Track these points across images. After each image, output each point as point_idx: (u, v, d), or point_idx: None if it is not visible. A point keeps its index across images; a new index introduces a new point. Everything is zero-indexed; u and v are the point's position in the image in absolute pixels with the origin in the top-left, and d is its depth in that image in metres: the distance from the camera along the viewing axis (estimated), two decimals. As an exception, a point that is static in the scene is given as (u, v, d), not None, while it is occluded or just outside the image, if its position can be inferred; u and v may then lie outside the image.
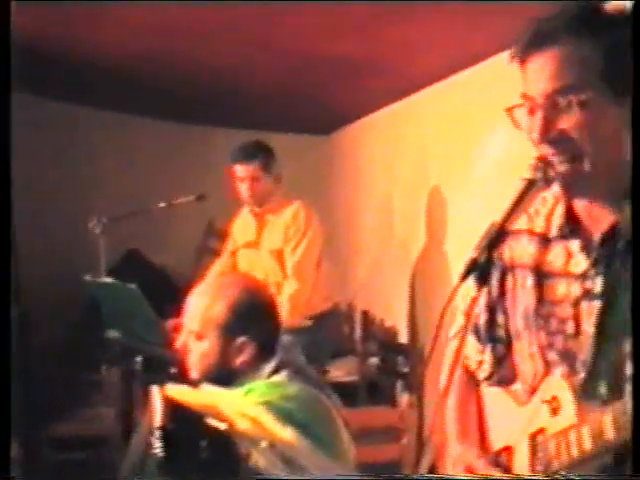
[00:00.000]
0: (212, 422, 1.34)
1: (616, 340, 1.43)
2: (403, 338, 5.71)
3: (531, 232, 1.78)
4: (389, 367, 5.59)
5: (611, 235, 1.62)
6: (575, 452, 1.53)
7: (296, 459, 1.20)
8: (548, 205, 1.76)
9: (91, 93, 6.29)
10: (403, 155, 6.02)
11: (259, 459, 2.08)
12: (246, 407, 1.24)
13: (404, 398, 3.71)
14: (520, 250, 1.80)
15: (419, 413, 3.89)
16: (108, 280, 4.55)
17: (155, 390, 2.04)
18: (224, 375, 2.36)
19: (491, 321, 1.86)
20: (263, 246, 4.84)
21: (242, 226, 5.02)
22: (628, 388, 1.45)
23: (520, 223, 1.76)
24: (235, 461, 1.93)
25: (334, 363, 5.26)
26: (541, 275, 1.74)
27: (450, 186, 5.03)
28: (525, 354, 1.75)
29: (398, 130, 6.13)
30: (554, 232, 1.73)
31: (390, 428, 3.56)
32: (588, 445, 1.49)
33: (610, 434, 1.44)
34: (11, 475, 1.97)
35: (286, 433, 1.17)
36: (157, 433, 1.79)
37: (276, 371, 2.36)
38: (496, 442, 1.80)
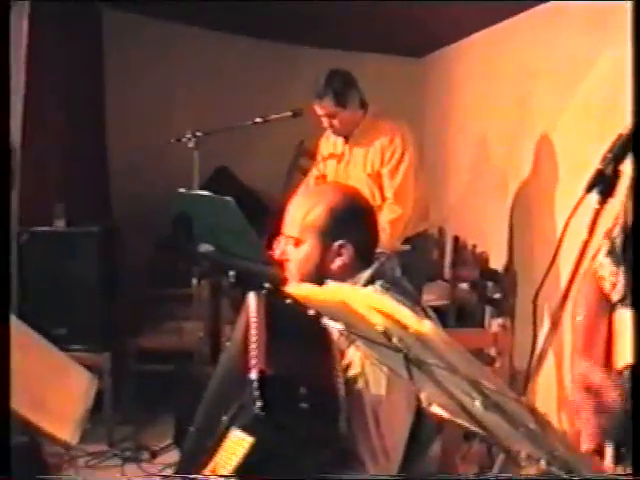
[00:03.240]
0: (329, 323, 1.35)
1: None
2: (495, 264, 5.67)
3: None
4: (479, 292, 5.57)
5: None
6: None
7: (423, 358, 1.21)
8: None
9: (187, 11, 6.31)
10: (501, 79, 5.90)
11: (368, 371, 2.12)
12: (378, 301, 1.24)
13: (494, 322, 3.71)
14: None
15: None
16: (204, 193, 4.59)
17: (252, 296, 2.08)
18: (322, 282, 2.33)
19: (626, 242, 1.83)
20: (357, 170, 4.82)
21: (331, 150, 5.02)
22: None
23: None
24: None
25: (425, 287, 5.25)
26: None
27: (554, 111, 4.89)
28: None
29: (495, 54, 6.01)
30: None
31: (481, 351, 3.57)
32: None
33: None
34: (11, 474, 2.02)
35: (424, 326, 1.18)
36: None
37: (371, 282, 2.40)
38: (620, 361, 1.78)
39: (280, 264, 2.56)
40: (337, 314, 1.28)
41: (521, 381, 4.78)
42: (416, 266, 4.74)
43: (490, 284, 5.50)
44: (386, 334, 1.16)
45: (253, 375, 1.79)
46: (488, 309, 5.46)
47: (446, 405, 1.29)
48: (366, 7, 5.61)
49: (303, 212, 2.46)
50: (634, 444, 1.34)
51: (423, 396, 1.34)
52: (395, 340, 1.16)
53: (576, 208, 1.52)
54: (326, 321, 1.35)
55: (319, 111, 4.72)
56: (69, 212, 5.12)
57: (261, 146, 6.92)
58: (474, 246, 6.13)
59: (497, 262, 5.60)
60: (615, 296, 1.84)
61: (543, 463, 1.19)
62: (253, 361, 1.82)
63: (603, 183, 1.52)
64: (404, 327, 1.15)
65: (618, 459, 1.76)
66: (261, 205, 6.69)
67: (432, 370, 1.22)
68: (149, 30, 6.85)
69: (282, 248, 2.52)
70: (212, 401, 2.34)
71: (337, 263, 2.43)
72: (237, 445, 1.84)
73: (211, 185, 6.19)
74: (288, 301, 1.77)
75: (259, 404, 1.75)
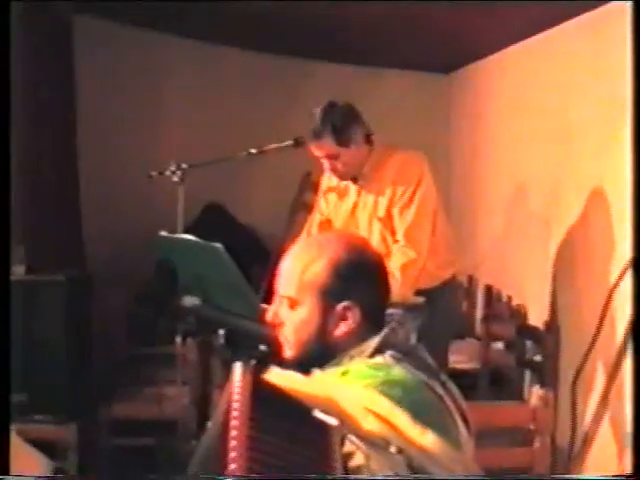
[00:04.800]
0: (320, 416, 1.27)
1: None
2: (534, 320, 5.61)
3: None
4: (517, 354, 5.49)
5: None
6: None
7: (427, 467, 1.13)
8: None
9: (180, 22, 6.32)
10: (537, 98, 5.87)
11: (374, 463, 2.03)
12: (374, 403, 1.17)
13: (534, 392, 3.64)
14: None
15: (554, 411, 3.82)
16: (188, 237, 4.52)
17: (238, 368, 2.00)
18: (322, 350, 2.32)
19: None
20: (366, 215, 4.73)
21: (336, 190, 4.92)
22: None
23: None
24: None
25: (452, 346, 5.17)
26: None
27: (599, 139, 4.84)
28: None
29: (525, 71, 5.99)
30: None
31: (519, 428, 3.49)
32: None
33: None
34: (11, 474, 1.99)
35: (426, 438, 1.10)
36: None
37: (380, 351, 2.30)
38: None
39: (274, 328, 2.48)
40: (325, 411, 1.21)
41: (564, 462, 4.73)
42: (440, 321, 4.65)
43: (529, 344, 5.42)
44: (384, 440, 1.10)
45: None
46: (527, 373, 5.37)
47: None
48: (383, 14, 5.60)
49: (301, 267, 2.36)
50: (634, 444, 1.28)
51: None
52: (393, 449, 1.09)
53: (621, 278, 1.45)
54: (317, 414, 1.28)
55: (317, 152, 4.58)
56: (30, 256, 5.06)
57: (261, 179, 6.89)
58: (509, 298, 6.07)
59: (537, 318, 5.53)
60: None
61: None
62: (233, 465, 1.73)
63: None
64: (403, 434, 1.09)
65: None
66: (260, 248, 6.65)
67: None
68: (127, 46, 6.84)
69: (275, 309, 2.42)
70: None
71: (342, 329, 2.32)
72: None
73: (201, 225, 6.19)
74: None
75: None
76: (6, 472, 1.96)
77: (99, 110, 6.81)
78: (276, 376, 1.57)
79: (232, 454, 1.70)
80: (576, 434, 4.69)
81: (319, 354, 2.32)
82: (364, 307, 2.34)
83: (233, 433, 1.77)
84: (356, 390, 1.23)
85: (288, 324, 2.39)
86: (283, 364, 2.35)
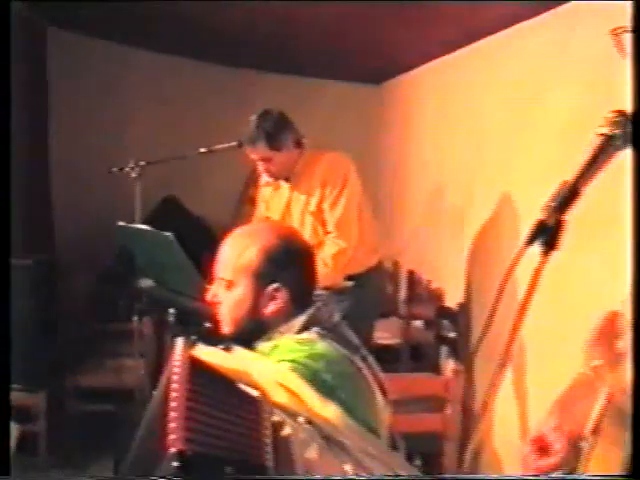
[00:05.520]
0: (244, 388, 1.25)
1: None
2: (450, 302, 5.62)
3: None
4: (434, 331, 5.51)
5: None
6: None
7: (335, 436, 1.11)
8: None
9: (135, 32, 6.24)
10: (458, 110, 5.88)
11: (294, 433, 2.01)
12: (284, 377, 1.15)
13: (449, 365, 3.66)
14: None
15: (467, 383, 3.83)
16: (143, 227, 4.50)
17: (179, 343, 1.98)
18: (254, 326, 2.34)
19: None
20: (299, 210, 4.72)
21: (272, 190, 4.91)
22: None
23: None
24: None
25: (377, 324, 5.17)
26: None
27: (511, 146, 4.87)
28: None
29: (454, 82, 5.99)
30: None
31: (434, 397, 3.50)
32: None
33: None
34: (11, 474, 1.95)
35: (328, 410, 1.08)
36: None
37: (306, 328, 2.32)
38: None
39: (213, 307, 2.46)
40: (241, 382, 1.19)
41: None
42: (366, 303, 4.67)
43: (446, 322, 5.44)
44: (293, 411, 1.08)
45: (172, 454, 1.66)
46: (443, 349, 5.39)
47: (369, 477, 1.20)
48: (319, 34, 5.57)
49: (237, 253, 2.37)
50: (634, 444, 1.26)
51: (347, 468, 1.25)
52: (302, 420, 1.07)
53: (516, 261, 1.44)
54: (241, 386, 1.26)
55: (252, 156, 4.58)
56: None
57: (213, 175, 6.83)
58: (429, 282, 6.09)
59: (453, 300, 5.54)
60: None
61: None
62: (172, 435, 1.69)
63: (545, 235, 1.44)
64: (310, 408, 1.07)
65: None
66: (211, 237, 6.60)
67: (349, 449, 1.13)
68: (93, 54, 6.77)
69: (214, 290, 2.43)
70: (136, 460, 2.22)
71: (271, 308, 2.34)
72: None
73: (158, 216, 6.12)
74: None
75: None
76: (6, 472, 1.90)
77: (69, 110, 6.74)
78: (201, 352, 1.54)
79: (172, 424, 1.67)
80: (474, 401, 4.77)
81: (252, 330, 2.34)
82: (292, 289, 2.35)
83: (173, 404, 1.74)
84: (269, 365, 1.22)
85: (224, 303, 2.39)
86: (222, 340, 2.34)
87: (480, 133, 5.35)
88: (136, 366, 4.99)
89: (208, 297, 2.45)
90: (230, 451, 1.67)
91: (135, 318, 4.76)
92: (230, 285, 2.37)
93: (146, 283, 4.53)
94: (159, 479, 1.66)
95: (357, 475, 1.58)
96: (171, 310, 4.34)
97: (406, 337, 5.64)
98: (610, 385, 1.29)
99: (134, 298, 4.73)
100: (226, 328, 2.40)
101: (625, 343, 1.20)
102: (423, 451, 3.65)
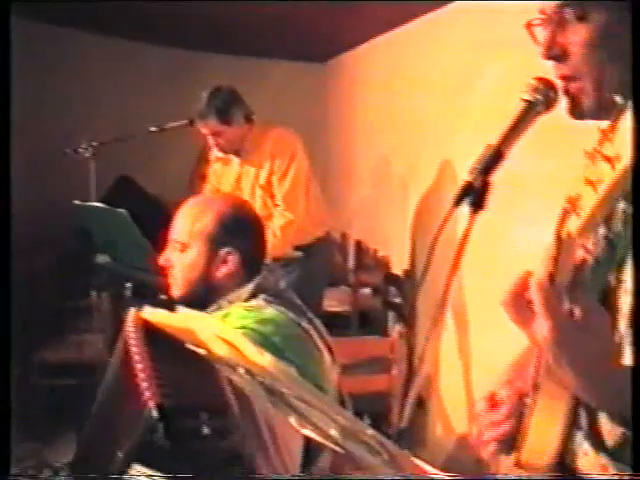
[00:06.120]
0: (191, 347, 1.27)
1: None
2: (396, 269, 5.67)
3: None
4: (382, 297, 5.56)
5: None
6: None
7: (275, 386, 1.14)
8: None
9: (85, 16, 6.18)
10: (400, 85, 5.91)
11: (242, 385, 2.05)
12: (223, 330, 1.17)
13: (394, 328, 3.72)
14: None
15: (410, 344, 3.88)
16: (97, 204, 4.50)
17: (131, 313, 2.00)
18: (205, 290, 2.39)
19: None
20: (249, 183, 4.74)
21: (223, 164, 4.92)
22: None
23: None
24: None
25: (327, 293, 5.21)
26: None
27: (451, 117, 4.91)
28: None
29: (395, 59, 6.02)
30: None
31: (381, 358, 3.54)
32: None
33: None
34: (11, 473, 1.96)
35: (264, 359, 1.11)
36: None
37: (254, 295, 2.37)
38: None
39: (165, 272, 2.51)
40: (187, 342, 1.21)
41: (425, 385, 4.81)
42: (315, 272, 4.72)
43: (392, 289, 5.48)
44: (230, 364, 1.10)
45: (151, 408, 1.70)
46: (391, 314, 5.44)
47: (313, 430, 1.23)
48: (265, 14, 5.56)
49: (192, 217, 2.43)
50: (634, 444, 1.29)
51: (292, 421, 1.28)
52: (242, 371, 1.09)
53: (445, 221, 1.48)
54: (189, 345, 1.28)
55: (203, 130, 4.61)
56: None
57: (168, 154, 6.81)
58: (375, 251, 6.12)
59: (398, 267, 5.59)
60: None
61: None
62: (146, 392, 1.72)
63: (473, 195, 1.47)
64: (247, 358, 1.10)
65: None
66: (165, 214, 6.57)
67: (290, 400, 1.16)
68: (46, 37, 6.68)
69: (167, 255, 2.47)
70: (99, 429, 2.23)
71: (222, 271, 2.39)
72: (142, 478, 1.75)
73: (113, 195, 6.09)
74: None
75: (163, 436, 1.67)
76: (6, 472, 1.91)
77: (30, 94, 6.67)
78: (149, 314, 1.57)
79: (143, 384, 1.70)
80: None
81: (202, 294, 2.39)
82: (243, 254, 2.40)
83: (138, 366, 1.77)
84: (208, 320, 1.24)
85: (177, 266, 2.43)
86: (172, 305, 2.38)
87: (422, 104, 5.39)
88: (97, 340, 4.99)
89: (161, 261, 2.50)
90: (199, 401, 1.71)
91: (93, 294, 4.75)
92: (184, 248, 2.41)
93: (103, 259, 4.53)
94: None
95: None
96: (128, 284, 4.35)
97: (354, 304, 5.69)
98: (531, 342, 1.32)
99: (92, 274, 4.72)
100: (177, 291, 2.44)
101: (537, 302, 1.23)
102: (372, 410, 3.70)
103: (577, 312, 1.25)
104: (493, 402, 1.69)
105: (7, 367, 2.13)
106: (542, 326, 1.24)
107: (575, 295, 1.25)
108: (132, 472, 1.75)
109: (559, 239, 1.23)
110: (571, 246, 1.22)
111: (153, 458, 1.71)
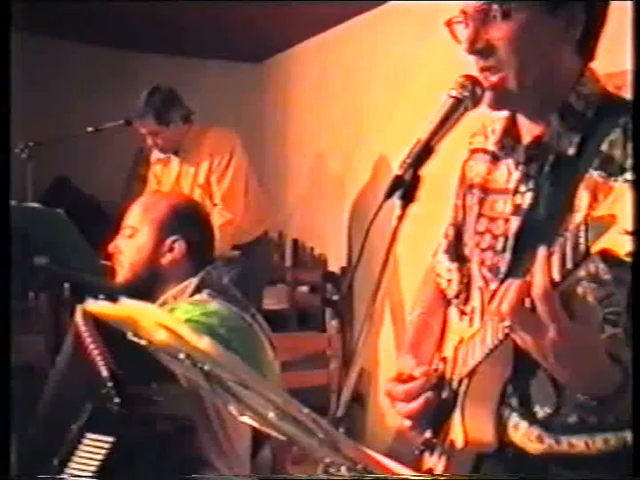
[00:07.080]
0: (133, 338, 1.31)
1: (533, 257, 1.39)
2: (333, 266, 5.71)
3: (484, 150, 1.80)
4: (319, 295, 5.60)
5: (536, 150, 1.61)
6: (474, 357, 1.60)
7: (214, 370, 1.18)
8: (501, 123, 1.75)
9: (22, 15, 6.10)
10: (335, 83, 5.96)
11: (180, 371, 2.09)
12: (163, 318, 1.21)
13: (331, 324, 3.77)
14: (476, 169, 1.82)
15: (345, 339, 3.92)
16: (35, 205, 4.47)
17: (79, 308, 2.03)
18: (150, 277, 2.44)
19: (457, 240, 1.85)
20: (188, 182, 4.77)
21: (162, 165, 4.94)
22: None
23: (477, 142, 1.83)
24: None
25: (265, 291, 5.24)
26: (487, 193, 1.75)
27: (385, 114, 4.98)
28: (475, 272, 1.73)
29: (330, 58, 6.06)
30: (497, 149, 1.74)
31: (319, 354, 3.59)
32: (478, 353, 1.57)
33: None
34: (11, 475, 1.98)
35: (202, 343, 1.15)
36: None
37: (198, 290, 2.41)
38: (445, 353, 1.81)
39: (112, 259, 2.55)
40: (129, 331, 1.25)
41: (364, 381, 4.85)
42: (254, 271, 4.74)
43: (329, 286, 5.52)
44: (170, 352, 1.14)
45: (105, 375, 1.74)
46: (328, 311, 5.47)
47: (252, 416, 1.27)
48: (198, 14, 5.57)
49: (146, 206, 2.50)
50: (634, 444, 1.35)
51: (232, 408, 1.31)
52: (182, 356, 1.13)
53: (376, 214, 1.52)
54: (131, 337, 1.31)
55: (141, 130, 4.64)
56: None
57: (105, 154, 6.77)
58: (312, 249, 6.16)
59: (335, 265, 5.63)
60: (450, 293, 1.85)
61: (344, 470, 1.18)
62: (100, 363, 1.77)
63: (403, 189, 1.52)
64: (187, 343, 1.13)
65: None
66: (101, 214, 6.55)
67: (229, 385, 1.19)
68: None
69: (116, 242, 2.52)
70: (49, 419, 2.25)
71: (168, 258, 2.44)
72: (96, 448, 1.78)
73: (50, 196, 6.05)
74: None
75: (117, 401, 1.71)
76: (6, 472, 1.91)
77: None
78: (92, 306, 1.59)
79: (98, 360, 1.75)
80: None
81: (147, 279, 2.44)
82: (189, 244, 2.46)
83: (91, 347, 1.82)
84: (148, 308, 1.27)
85: (125, 252, 2.47)
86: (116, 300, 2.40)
87: (358, 103, 5.44)
88: (35, 342, 4.95)
89: (110, 248, 2.53)
90: (150, 373, 1.76)
91: (31, 295, 4.73)
92: (134, 232, 2.46)
93: (40, 260, 4.50)
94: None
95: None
96: (66, 285, 4.33)
97: (292, 302, 5.72)
98: (525, 345, 1.39)
99: (29, 276, 4.69)
100: (122, 277, 2.48)
101: (543, 309, 1.30)
102: (311, 406, 3.74)
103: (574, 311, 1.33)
104: (404, 378, 1.76)
105: (7, 367, 2.14)
106: (548, 330, 1.31)
107: (570, 296, 1.34)
108: (86, 441, 1.79)
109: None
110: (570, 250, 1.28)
111: (109, 425, 1.76)
